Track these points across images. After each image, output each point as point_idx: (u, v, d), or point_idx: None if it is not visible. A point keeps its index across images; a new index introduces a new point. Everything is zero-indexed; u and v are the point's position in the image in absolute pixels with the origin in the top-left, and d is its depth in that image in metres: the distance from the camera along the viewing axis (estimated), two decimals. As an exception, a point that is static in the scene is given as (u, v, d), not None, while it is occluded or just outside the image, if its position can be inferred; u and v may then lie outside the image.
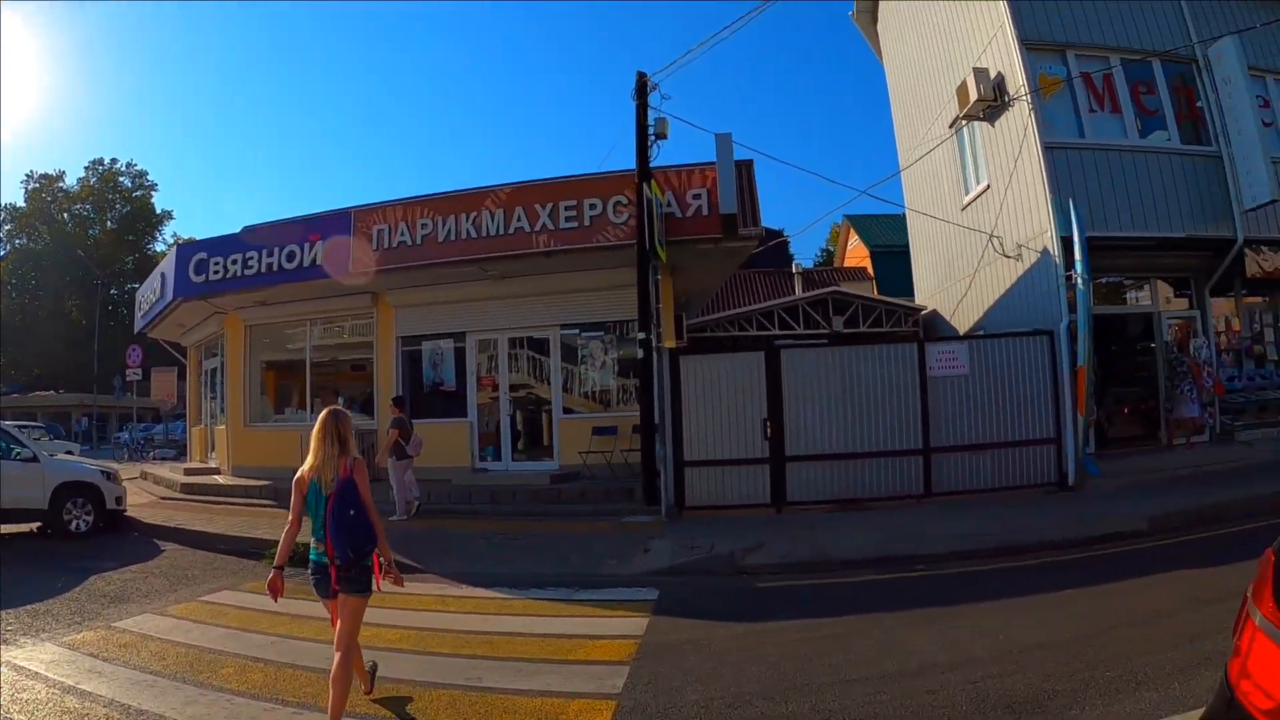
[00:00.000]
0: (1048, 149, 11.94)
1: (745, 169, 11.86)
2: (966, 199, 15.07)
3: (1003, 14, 12.67)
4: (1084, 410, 10.70)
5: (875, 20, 19.68)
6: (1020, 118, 12.23)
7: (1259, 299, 14.71)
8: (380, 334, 14.91)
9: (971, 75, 12.84)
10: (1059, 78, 12.66)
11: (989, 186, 13.94)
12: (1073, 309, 11.14)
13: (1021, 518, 8.99)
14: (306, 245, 13.63)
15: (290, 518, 4.22)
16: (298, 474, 4.19)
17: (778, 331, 17.78)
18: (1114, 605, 5.91)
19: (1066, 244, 11.28)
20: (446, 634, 6.01)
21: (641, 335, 11.03)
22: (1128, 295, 14.10)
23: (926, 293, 18.56)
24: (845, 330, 17.71)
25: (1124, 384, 14.03)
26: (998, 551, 7.78)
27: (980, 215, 14.38)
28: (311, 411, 14.80)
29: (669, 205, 11.74)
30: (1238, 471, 11.36)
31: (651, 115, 11.75)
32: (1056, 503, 9.94)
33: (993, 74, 12.91)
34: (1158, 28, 13.57)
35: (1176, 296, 13.92)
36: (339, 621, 4.16)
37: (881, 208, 48.04)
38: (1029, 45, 12.47)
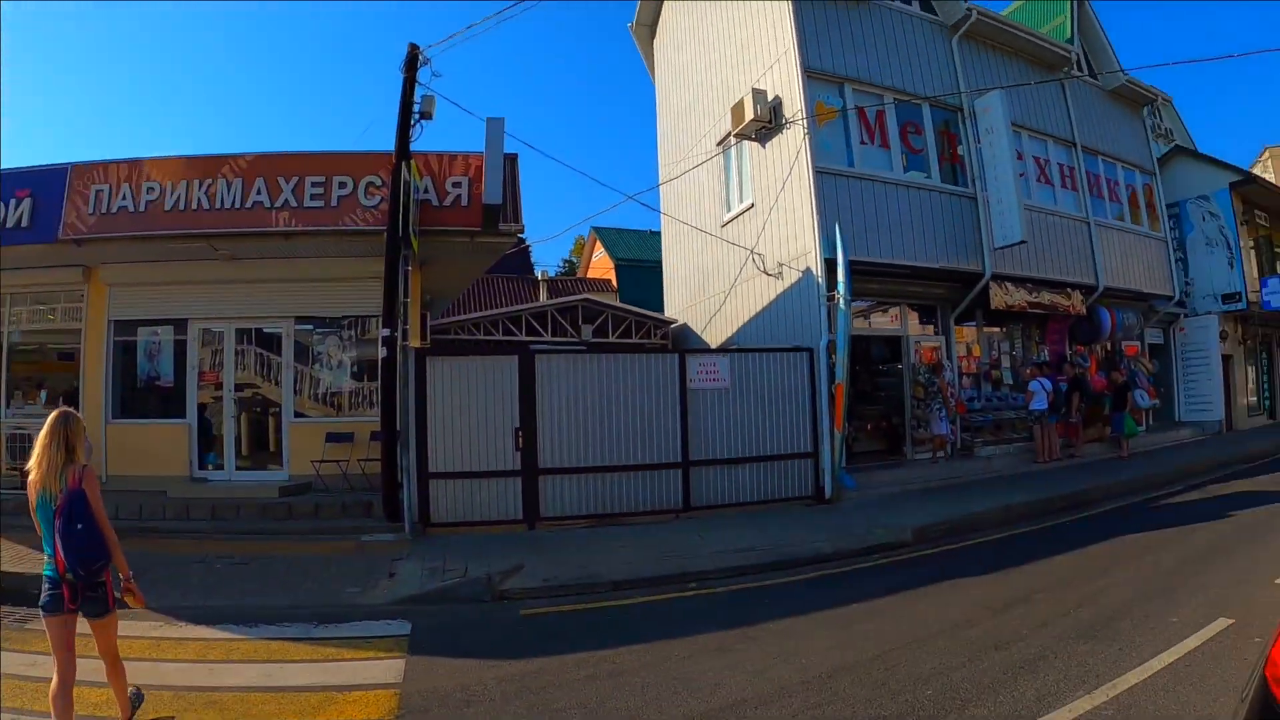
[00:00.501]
0: (818, 173, 12.55)
1: (510, 162, 11.35)
2: (728, 216, 15.60)
3: (789, 41, 13.19)
4: (841, 426, 11.32)
5: (653, 35, 20.20)
6: (794, 141, 12.79)
7: (997, 329, 16.38)
8: (90, 316, 12.61)
9: (750, 95, 13.28)
10: (835, 108, 13.38)
11: (753, 205, 14.50)
12: (831, 328, 11.68)
13: (786, 531, 9.33)
14: (13, 202, 11.52)
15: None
16: (28, 482, 4.00)
17: (525, 338, 17.49)
18: (906, 618, 6.06)
19: (830, 265, 11.92)
20: (163, 692, 4.78)
21: (386, 332, 10.11)
22: (879, 318, 15.12)
23: (678, 307, 18.92)
24: (594, 340, 17.80)
25: (870, 402, 15.26)
26: (771, 566, 7.90)
27: (741, 233, 14.91)
28: (8, 406, 12.58)
29: (426, 191, 10.98)
30: (981, 484, 12.80)
31: (419, 93, 10.96)
32: (817, 515, 10.43)
33: (771, 96, 13.47)
34: (931, 75, 14.95)
35: (923, 323, 15.17)
36: (98, 640, 4.07)
37: (628, 221, 49.63)
38: (810, 73, 13.06)
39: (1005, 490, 11.83)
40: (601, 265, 34.19)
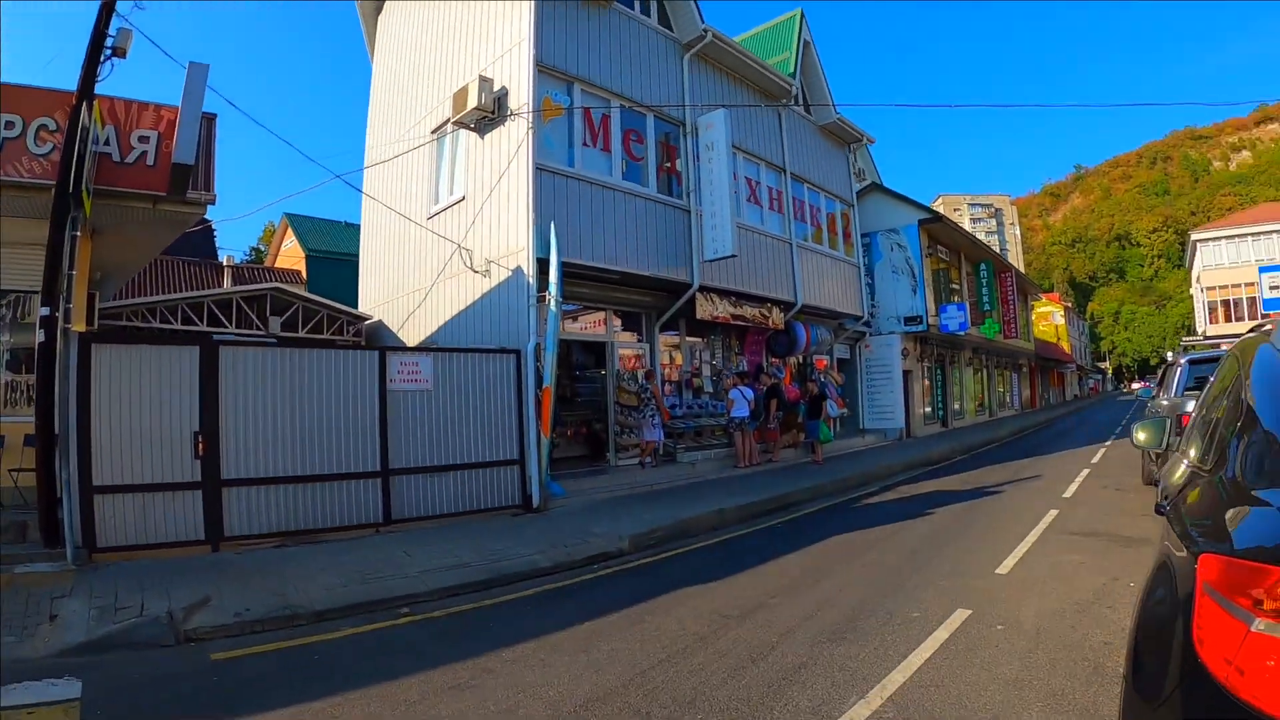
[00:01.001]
0: (539, 170, 12.56)
1: (208, 122, 10.17)
2: (437, 207, 15.13)
3: (525, 32, 13.06)
4: (549, 431, 11.31)
5: (379, 10, 19.31)
6: (516, 135, 12.72)
7: (699, 339, 17.49)
8: None
9: (476, 82, 13.02)
10: (562, 106, 13.52)
11: (465, 198, 14.16)
12: (540, 330, 11.77)
13: (498, 544, 8.98)
14: None
15: None
16: None
17: (206, 328, 15.95)
18: (648, 634, 5.81)
19: (542, 265, 11.92)
20: None
21: (45, 311, 8.43)
22: (584, 323, 15.50)
23: (374, 302, 18.05)
24: (284, 334, 16.55)
25: (572, 407, 15.60)
26: (488, 583, 7.50)
27: (450, 226, 14.50)
28: None
29: (107, 143, 9.37)
30: (688, 489, 13.35)
31: (116, 23, 9.32)
32: (528, 526, 10.21)
33: (497, 86, 13.30)
34: (660, 88, 15.67)
35: (626, 329, 15.75)
36: None
37: (326, 212, 47.80)
38: (542, 68, 13.08)
39: (714, 494, 12.37)
40: (292, 255, 32.17)
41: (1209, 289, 60.92)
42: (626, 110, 14.82)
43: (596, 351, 15.49)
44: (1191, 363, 10.34)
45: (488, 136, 13.50)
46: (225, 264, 27.60)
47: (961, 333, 28.35)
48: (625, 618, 6.28)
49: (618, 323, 15.42)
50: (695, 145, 16.01)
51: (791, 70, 20.74)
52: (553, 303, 11.34)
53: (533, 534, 9.57)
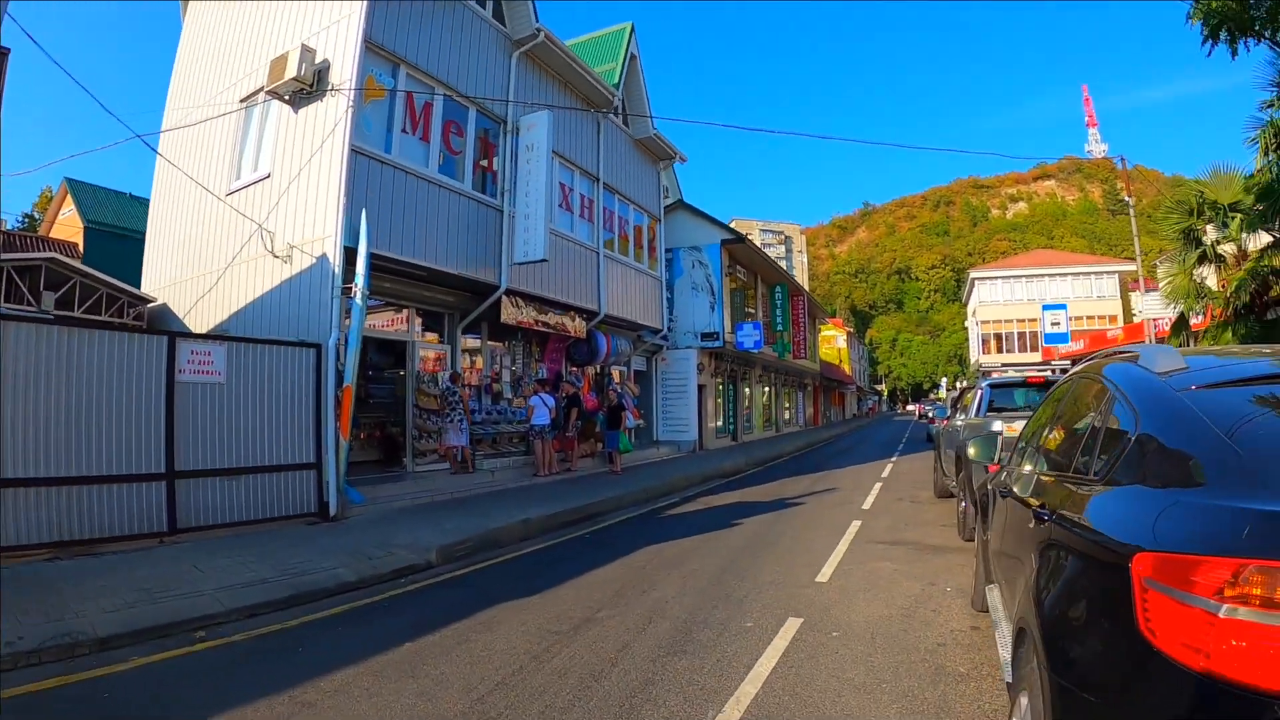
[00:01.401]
0: (354, 152, 12.28)
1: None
2: (238, 183, 14.26)
3: (357, 5, 12.64)
4: (348, 434, 11.05)
5: None
6: (333, 113, 12.38)
7: (500, 343, 17.71)
8: None
9: (298, 51, 12.48)
10: (385, 87, 13.29)
11: (270, 176, 13.51)
12: (343, 324, 11.49)
13: (297, 556, 8.49)
14: None
15: None
16: None
17: None
18: (476, 654, 5.53)
19: (350, 255, 11.67)
20: None
21: None
22: (384, 319, 15.35)
23: (160, 283, 16.72)
24: (58, 312, 15.10)
25: (366, 409, 15.33)
26: (291, 601, 7.02)
27: (251, 205, 13.78)
28: None
29: None
30: (490, 497, 13.29)
31: None
32: (326, 536, 9.74)
33: (319, 58, 12.83)
34: (485, 82, 15.68)
35: (427, 329, 15.69)
36: None
37: (107, 180, 43.79)
38: (370, 45, 12.79)
39: (517, 504, 12.38)
40: (69, 226, 29.11)
41: (984, 322, 69.06)
42: (450, 101, 14.80)
43: (396, 351, 15.31)
44: (993, 386, 11.41)
45: (302, 111, 12.96)
46: None
47: (756, 351, 30.17)
48: (449, 637, 6.00)
49: (419, 322, 15.29)
50: (515, 144, 16.24)
51: (616, 81, 21.46)
52: (359, 296, 11.11)
53: (333, 545, 9.18)
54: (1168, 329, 23.88)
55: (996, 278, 70.92)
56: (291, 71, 12.43)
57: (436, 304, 15.35)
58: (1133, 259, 78.06)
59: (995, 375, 11.88)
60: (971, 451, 5.72)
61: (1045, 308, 26.63)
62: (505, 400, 17.40)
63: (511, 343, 18.02)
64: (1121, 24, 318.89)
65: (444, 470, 14.66)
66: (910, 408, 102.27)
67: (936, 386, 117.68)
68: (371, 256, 11.41)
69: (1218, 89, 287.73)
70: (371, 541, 9.34)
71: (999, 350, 67.96)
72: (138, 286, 17.20)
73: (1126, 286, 63.84)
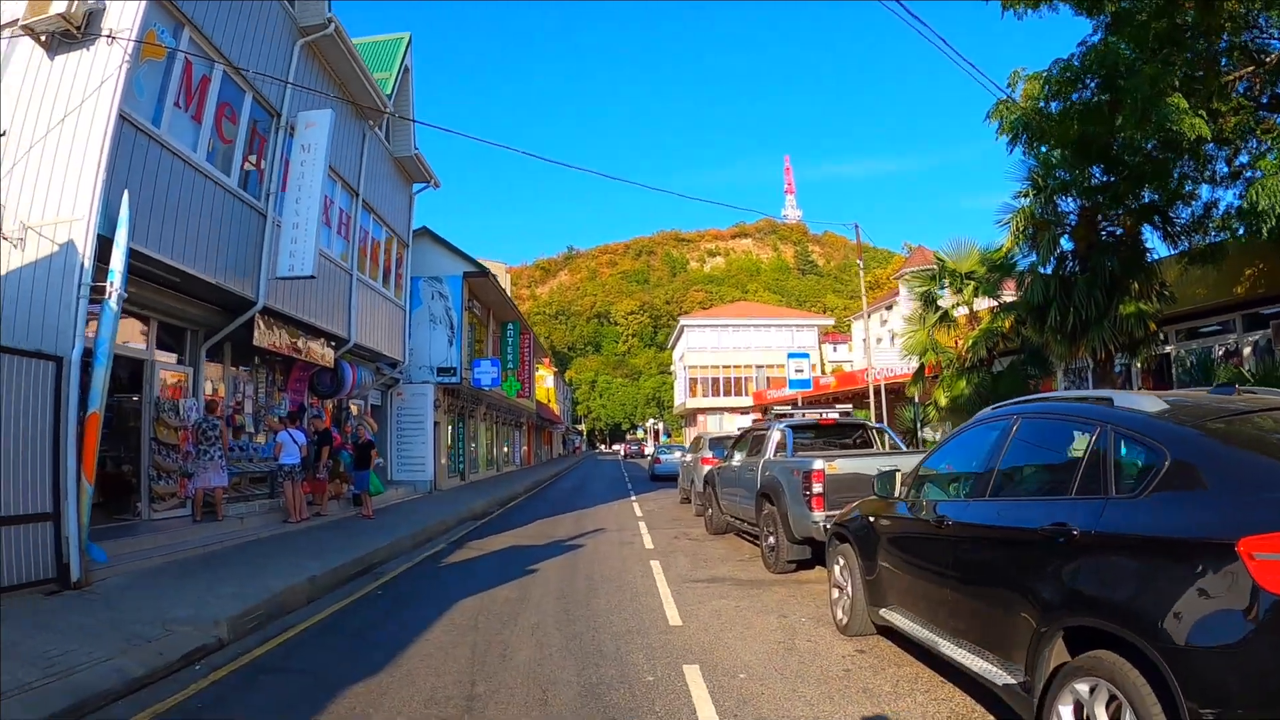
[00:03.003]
0: (123, 120, 10.16)
1: None
2: None
3: None
4: (93, 475, 8.87)
5: None
6: (101, 67, 10.05)
7: (241, 370, 15.64)
8: None
9: None
10: (165, 46, 11.23)
11: (3, 134, 10.47)
12: (86, 333, 9.37)
13: (52, 643, 6.35)
14: None
15: None
16: None
17: None
18: None
19: (104, 246, 9.54)
20: None
21: None
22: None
23: None
24: None
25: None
26: (74, 714, 5.14)
27: None
28: None
29: None
30: (249, 550, 11.57)
31: None
32: (77, 610, 7.55)
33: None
34: (265, 67, 13.82)
35: (165, 348, 13.35)
36: None
37: None
38: (158, -7, 10.70)
39: (283, 557, 10.89)
40: None
41: (691, 367, 73.51)
42: (228, 80, 12.90)
43: (126, 371, 12.58)
44: (793, 429, 11.83)
45: (60, 59, 10.33)
46: None
47: (494, 388, 29.50)
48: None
49: (156, 338, 12.93)
50: (288, 143, 14.58)
51: (390, 92, 20.13)
52: (114, 299, 9.01)
53: (91, 623, 7.13)
54: (900, 375, 27.25)
55: (705, 325, 76.28)
56: (59, 6, 9.87)
57: (180, 317, 13.14)
58: (822, 314, 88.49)
59: (785, 419, 12.59)
60: (878, 486, 6.21)
61: (790, 355, 28.62)
62: (247, 435, 15.34)
63: (254, 369, 16.00)
64: (822, 104, 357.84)
65: (185, 517, 12.44)
66: (616, 447, 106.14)
67: (635, 427, 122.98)
68: (129, 252, 9.45)
69: (905, 169, 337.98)
70: (138, 616, 7.39)
71: (705, 394, 72.93)
72: None
73: (821, 339, 71.90)
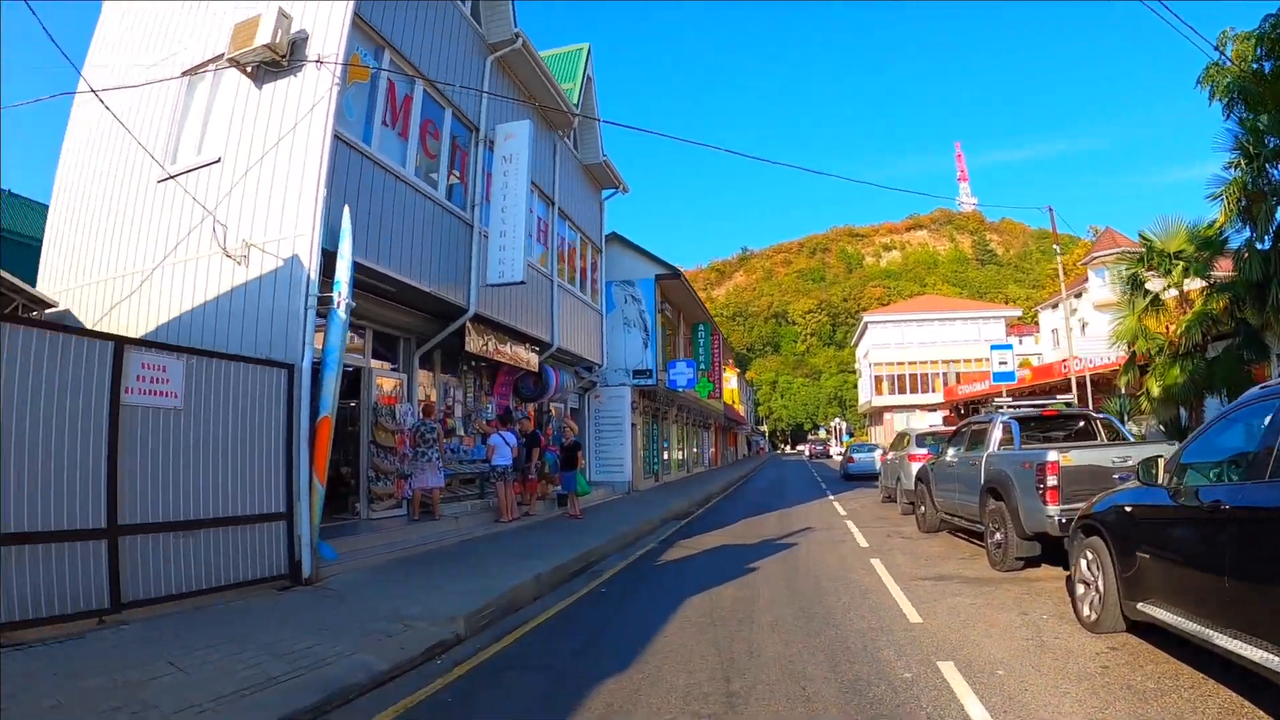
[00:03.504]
0: (337, 140, 10.28)
1: None
2: (175, 169, 11.54)
3: None
4: (324, 476, 8.95)
5: None
6: (312, 91, 10.32)
7: (451, 375, 15.78)
8: None
9: (273, 15, 10.26)
10: (369, 68, 11.40)
11: (220, 161, 11.07)
12: (318, 341, 9.53)
13: (292, 637, 6.43)
14: None
15: None
16: None
17: None
18: None
19: (329, 260, 9.68)
20: None
21: None
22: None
23: (59, 286, 13.43)
24: None
25: None
26: (322, 708, 5.06)
27: (193, 194, 11.09)
28: None
29: None
30: (463, 549, 11.51)
31: None
32: (311, 606, 7.67)
33: (296, 27, 10.68)
34: (460, 84, 13.82)
35: (379, 357, 13.50)
36: None
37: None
38: (358, 19, 10.86)
39: (500, 555, 10.75)
40: None
41: (875, 364, 70.33)
42: (429, 98, 12.99)
43: (345, 378, 12.85)
44: (1018, 420, 10.91)
45: (268, 87, 10.74)
46: None
47: (689, 389, 29.04)
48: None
49: (370, 346, 13.16)
50: (487, 157, 14.59)
51: (576, 102, 20.00)
52: (342, 308, 9.12)
53: (328, 619, 7.16)
54: (1099, 365, 24.82)
55: (888, 321, 72.85)
56: (264, 38, 10.20)
57: (395, 326, 13.31)
58: (1004, 305, 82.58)
59: (1005, 410, 11.52)
60: (1140, 475, 5.79)
61: (994, 347, 26.80)
62: (457, 438, 15.45)
63: (463, 375, 16.14)
64: (989, 88, 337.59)
65: (400, 517, 12.60)
66: (801, 448, 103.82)
67: (817, 427, 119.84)
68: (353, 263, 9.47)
69: (1080, 149, 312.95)
70: (374, 612, 7.40)
71: (891, 391, 69.61)
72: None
73: (1007, 330, 67.03)
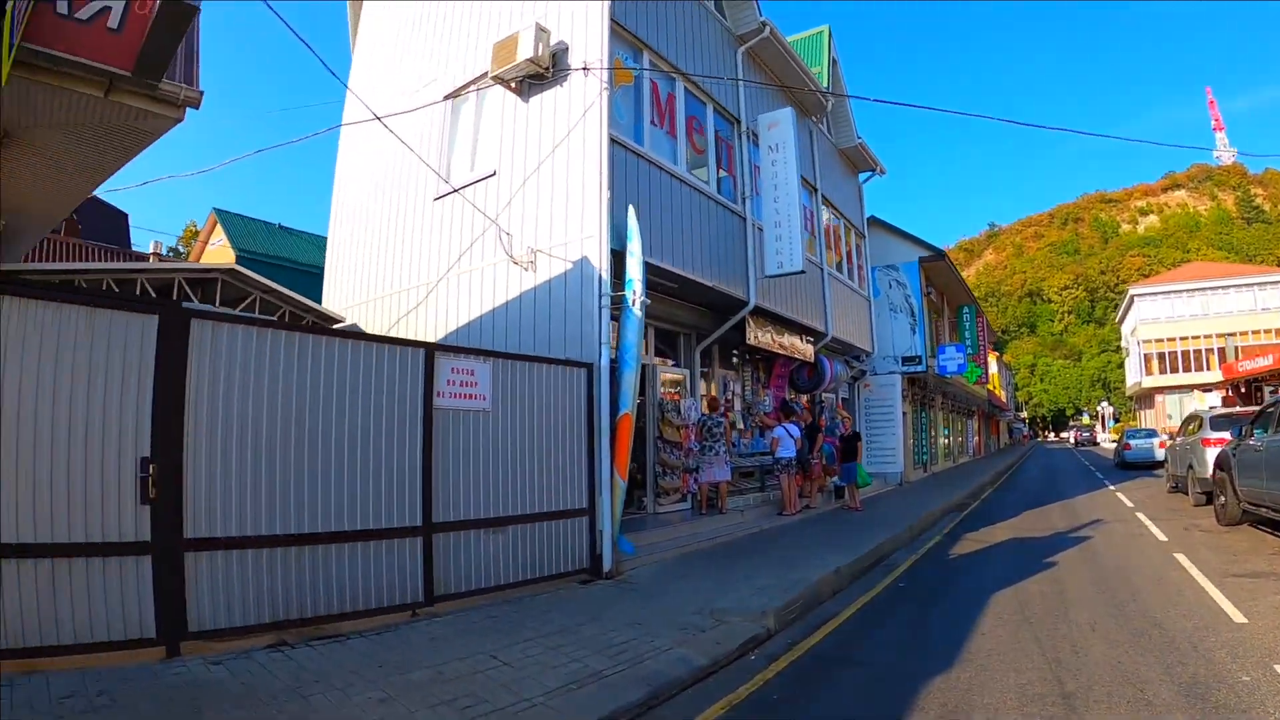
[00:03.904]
0: (613, 142, 9.84)
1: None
2: (449, 187, 11.69)
3: None
4: (625, 472, 8.56)
5: None
6: (580, 98, 9.97)
7: (729, 370, 14.87)
8: None
9: (531, 30, 10.12)
10: (632, 69, 10.91)
11: (495, 174, 11.06)
12: (612, 339, 9.15)
13: (606, 632, 6.23)
14: None
15: None
16: None
17: None
18: None
19: (617, 259, 9.28)
20: None
21: None
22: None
23: (345, 303, 14.23)
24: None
25: None
26: (650, 703, 4.80)
27: (466, 211, 11.30)
28: None
29: None
30: (757, 541, 11.01)
31: None
32: (616, 600, 7.44)
33: (554, 39, 10.45)
34: (714, 79, 13.07)
35: (660, 354, 12.90)
36: None
37: (254, 210, 42.91)
38: (615, 25, 10.41)
39: (798, 548, 10.19)
40: (219, 257, 27.80)
41: (1145, 341, 61.68)
42: (689, 94, 12.31)
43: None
44: None
45: (534, 99, 10.61)
46: (152, 252, 23.71)
47: (959, 374, 26.65)
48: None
49: (653, 343, 12.70)
50: (751, 149, 13.73)
51: (825, 85, 18.65)
52: (638, 305, 8.65)
53: (635, 612, 6.85)
54: None
55: (1156, 294, 63.56)
56: (525, 53, 10.07)
57: (675, 323, 12.69)
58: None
59: None
60: None
61: None
62: (736, 432, 14.65)
63: (740, 368, 15.35)
64: (1237, 25, 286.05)
65: (683, 510, 11.99)
66: (1065, 435, 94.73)
67: (1080, 412, 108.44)
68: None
69: None
70: (681, 606, 7.07)
71: (1162, 371, 60.75)
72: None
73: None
